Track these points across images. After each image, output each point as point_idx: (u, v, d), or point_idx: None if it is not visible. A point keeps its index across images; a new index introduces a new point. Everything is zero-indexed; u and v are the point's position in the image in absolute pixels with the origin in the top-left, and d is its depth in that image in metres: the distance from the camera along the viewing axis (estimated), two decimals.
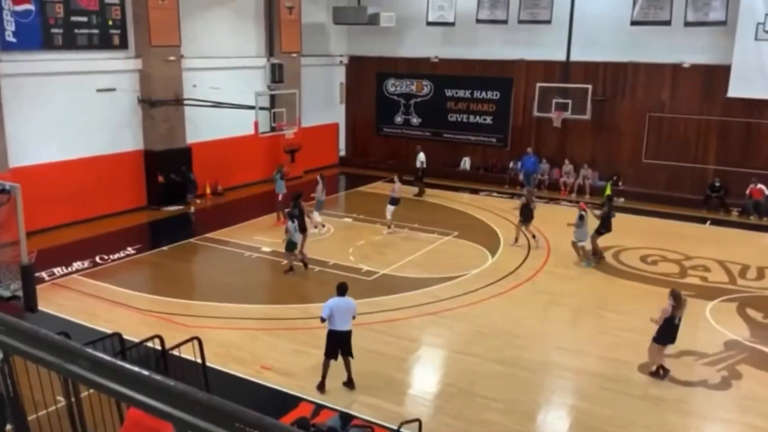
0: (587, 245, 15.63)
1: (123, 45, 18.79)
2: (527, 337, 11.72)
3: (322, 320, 9.56)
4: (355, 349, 9.78)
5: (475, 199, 22.12)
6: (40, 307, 8.98)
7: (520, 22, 23.02)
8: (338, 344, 9.51)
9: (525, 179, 23.11)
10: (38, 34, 16.68)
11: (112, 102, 18.71)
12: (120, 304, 12.77)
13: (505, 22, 23.28)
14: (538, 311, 13.02)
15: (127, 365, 1.92)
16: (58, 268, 14.38)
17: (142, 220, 18.97)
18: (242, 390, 9.61)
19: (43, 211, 16.01)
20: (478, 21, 23.75)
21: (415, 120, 26.50)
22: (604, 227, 15.67)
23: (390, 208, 17.78)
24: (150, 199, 19.80)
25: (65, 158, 17.54)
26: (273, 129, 19.47)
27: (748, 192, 20.32)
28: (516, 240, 16.90)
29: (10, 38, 16.07)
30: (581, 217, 15.45)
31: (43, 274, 13.67)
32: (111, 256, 15.43)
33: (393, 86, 26.79)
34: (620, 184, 22.34)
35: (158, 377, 1.85)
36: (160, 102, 19.35)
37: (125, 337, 7.65)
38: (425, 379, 10.65)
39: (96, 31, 18.00)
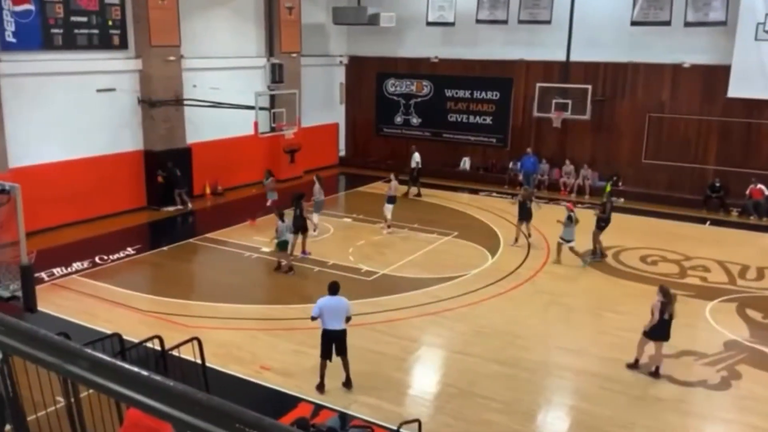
0: (579, 245, 15.63)
1: (123, 45, 18.79)
2: (527, 338, 11.72)
3: (312, 319, 9.58)
4: (354, 349, 9.78)
5: (475, 200, 22.12)
6: (40, 308, 8.98)
7: (520, 22, 23.01)
8: (331, 344, 9.49)
9: (524, 179, 23.11)
10: (38, 35, 16.67)
11: (111, 102, 18.71)
12: (119, 304, 12.76)
13: (505, 22, 23.28)
14: (538, 311, 13.02)
15: (126, 366, 1.92)
16: (58, 269, 14.38)
17: (141, 220, 18.97)
18: (242, 390, 9.61)
19: (43, 212, 16.00)
20: (478, 21, 23.75)
21: (415, 120, 26.50)
22: (605, 221, 15.70)
23: (388, 207, 17.80)
24: (150, 200, 19.80)
25: (65, 158, 17.54)
26: (273, 129, 19.46)
27: (748, 192, 20.32)
28: (516, 240, 16.91)
29: (10, 38, 16.06)
30: (569, 218, 15.49)
31: (43, 275, 13.67)
32: (111, 257, 15.43)
33: (393, 86, 26.79)
34: (620, 184, 22.33)
35: (158, 377, 1.84)
36: (160, 102, 19.35)
37: (125, 337, 7.66)
38: (425, 379, 10.64)
39: (96, 31, 17.99)
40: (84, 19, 17.63)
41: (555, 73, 23.11)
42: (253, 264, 15.55)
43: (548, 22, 22.56)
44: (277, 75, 20.79)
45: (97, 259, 15.19)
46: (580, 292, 14.02)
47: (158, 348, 7.35)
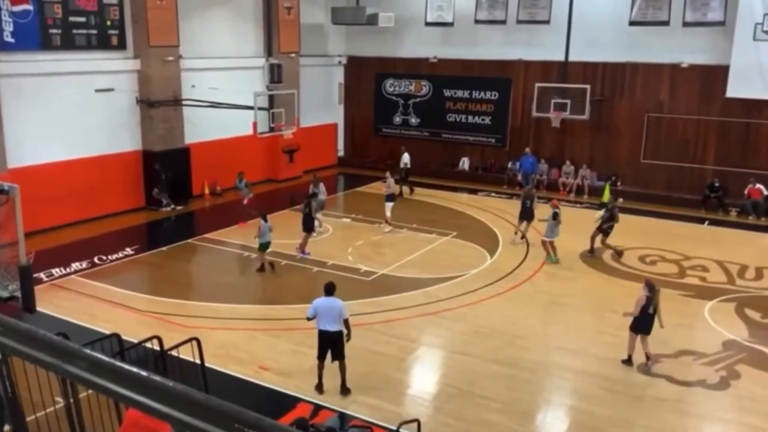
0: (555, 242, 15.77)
1: (121, 45, 18.78)
2: (526, 337, 11.72)
3: (308, 319, 9.57)
4: (353, 349, 9.77)
5: (474, 200, 22.12)
6: (39, 308, 8.97)
7: (519, 22, 23.03)
8: (326, 345, 9.45)
9: (523, 179, 23.14)
10: (36, 35, 16.66)
11: (110, 102, 18.70)
12: (118, 304, 12.75)
13: (503, 22, 23.30)
14: (538, 311, 13.03)
15: (125, 366, 1.92)
16: (57, 269, 14.36)
17: (140, 220, 18.95)
18: (241, 390, 9.60)
19: (42, 212, 16.00)
20: (477, 21, 23.77)
21: (413, 120, 26.50)
22: (609, 221, 15.81)
23: (388, 205, 17.87)
24: (148, 200, 19.78)
25: (64, 158, 17.52)
26: (272, 129, 19.46)
27: (746, 192, 20.34)
28: (516, 233, 16.99)
29: (9, 38, 16.05)
30: (555, 216, 15.55)
31: (42, 275, 13.65)
32: (109, 257, 15.42)
33: (392, 86, 26.79)
34: (619, 184, 22.34)
35: (157, 378, 1.84)
36: (159, 102, 19.34)
37: (124, 337, 7.66)
38: (424, 379, 10.64)
39: (94, 31, 17.98)
40: (82, 19, 17.62)
41: (554, 73, 23.12)
42: (252, 264, 15.53)
43: (547, 22, 22.57)
44: (275, 75, 20.77)
45: (95, 260, 15.18)
46: (579, 292, 14.03)
47: (157, 348, 7.35)
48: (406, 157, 22.57)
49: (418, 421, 7.80)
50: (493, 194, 22.86)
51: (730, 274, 15.13)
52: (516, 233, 17.06)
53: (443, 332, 12.03)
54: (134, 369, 1.89)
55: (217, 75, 20.62)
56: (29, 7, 16.39)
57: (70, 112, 17.62)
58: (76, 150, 17.80)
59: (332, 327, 9.37)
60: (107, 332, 7.99)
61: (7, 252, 8.32)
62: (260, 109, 18.78)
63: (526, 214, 16.96)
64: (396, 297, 13.41)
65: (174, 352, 7.31)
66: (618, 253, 16.05)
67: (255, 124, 18.89)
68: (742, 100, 20.41)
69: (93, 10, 17.83)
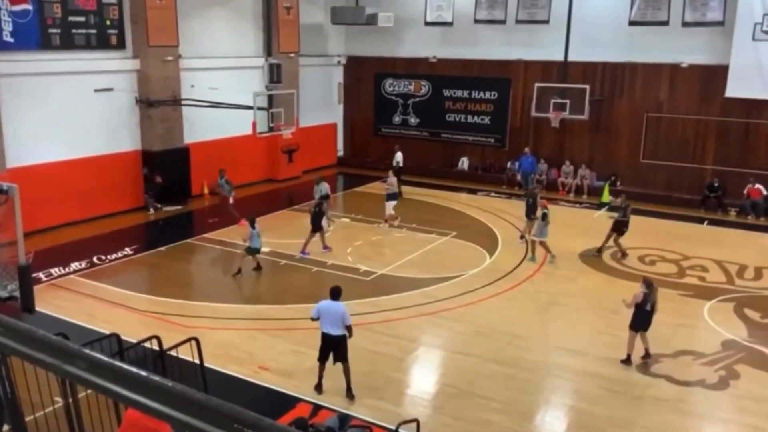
0: (546, 241, 15.82)
1: (121, 45, 18.77)
2: (526, 337, 11.72)
3: (312, 319, 9.58)
4: (353, 349, 9.75)
5: (473, 199, 22.12)
6: (38, 308, 8.96)
7: (518, 22, 23.03)
8: (328, 348, 9.43)
9: (523, 179, 23.16)
10: (36, 34, 16.65)
11: (109, 102, 18.69)
12: (118, 304, 12.75)
13: (503, 22, 23.30)
14: (537, 311, 13.03)
15: (124, 366, 1.92)
16: (56, 269, 14.35)
17: (139, 220, 18.94)
18: (240, 390, 9.60)
19: (41, 212, 15.98)
20: (476, 21, 23.77)
21: (413, 120, 26.50)
22: (625, 225, 15.93)
23: (390, 204, 17.93)
24: (154, 197, 19.72)
25: (63, 158, 17.51)
26: (271, 129, 19.46)
27: (745, 192, 20.36)
28: (522, 237, 17.01)
29: (8, 38, 16.04)
30: (544, 215, 15.60)
31: (41, 275, 13.64)
32: (109, 257, 15.40)
33: (391, 86, 26.78)
34: (618, 184, 22.36)
35: (156, 378, 1.84)
36: (158, 102, 19.33)
37: (123, 337, 7.65)
38: (424, 379, 10.64)
39: (94, 31, 17.97)
40: (82, 19, 17.60)
41: (553, 73, 23.12)
42: (251, 264, 15.52)
43: (546, 22, 22.58)
44: (275, 75, 20.76)
45: (95, 259, 15.17)
46: (578, 292, 14.03)
47: (156, 348, 7.34)
48: (398, 156, 22.73)
49: (417, 421, 7.80)
50: (493, 194, 22.87)
51: (729, 274, 15.14)
52: (528, 233, 17.01)
53: (443, 332, 12.03)
54: (133, 369, 1.89)
55: (216, 75, 20.61)
56: (28, 6, 16.37)
57: (70, 112, 17.61)
58: (76, 150, 17.79)
59: (334, 330, 9.33)
60: (106, 332, 7.98)
61: (6, 252, 8.32)
62: (259, 109, 18.78)
63: (530, 214, 16.99)
64: (395, 297, 13.40)
65: (173, 352, 7.30)
66: (623, 254, 16.05)
67: (254, 124, 18.88)
68: (742, 100, 20.41)
69: (92, 9, 17.82)
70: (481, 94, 25.03)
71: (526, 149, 23.49)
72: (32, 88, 16.69)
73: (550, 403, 9.89)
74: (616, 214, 16.48)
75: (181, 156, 20.28)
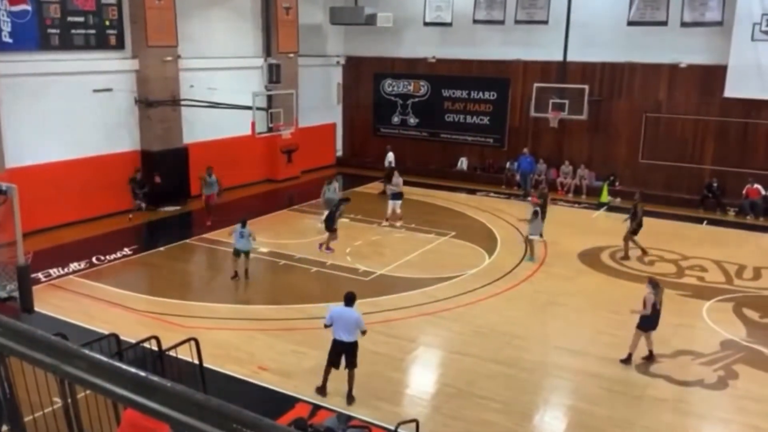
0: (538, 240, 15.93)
1: (120, 45, 18.76)
2: (525, 337, 11.72)
3: (325, 326, 9.40)
4: None
5: (472, 200, 22.12)
6: (37, 308, 8.97)
7: (517, 22, 23.04)
8: (340, 354, 9.30)
9: (521, 179, 23.17)
10: (35, 35, 16.63)
11: (108, 102, 18.67)
12: (117, 304, 12.74)
13: (502, 22, 23.31)
14: (536, 311, 13.03)
15: (123, 366, 1.92)
16: (55, 269, 14.34)
17: (138, 220, 18.92)
18: (239, 391, 9.59)
19: (40, 212, 15.97)
20: (475, 21, 23.77)
21: (412, 120, 26.50)
22: (639, 225, 15.96)
23: (397, 203, 17.99)
24: (147, 200, 19.74)
25: (62, 159, 17.50)
26: (270, 129, 19.44)
27: (744, 192, 20.36)
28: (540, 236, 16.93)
29: (7, 39, 16.02)
30: (535, 213, 15.62)
31: (40, 275, 13.63)
32: (107, 257, 15.40)
33: (390, 86, 26.78)
34: (617, 184, 22.37)
35: (155, 378, 1.84)
36: (157, 102, 19.32)
37: (122, 338, 7.65)
38: (423, 379, 10.64)
39: (93, 31, 17.95)
40: (81, 19, 17.59)
41: (552, 73, 23.12)
42: (250, 264, 15.51)
43: (545, 22, 22.59)
44: (274, 75, 20.76)
45: (94, 260, 15.16)
46: (577, 292, 14.03)
47: (155, 348, 7.33)
48: (390, 156, 22.89)
49: (416, 421, 7.79)
50: (492, 194, 22.87)
51: (728, 274, 15.15)
52: (540, 235, 16.92)
53: (442, 332, 12.03)
54: (132, 369, 1.89)
55: (215, 75, 20.60)
56: (27, 7, 16.36)
57: (69, 113, 17.59)
58: (75, 150, 17.78)
59: (347, 337, 9.19)
60: (105, 332, 7.97)
61: (6, 252, 8.32)
62: (259, 109, 18.78)
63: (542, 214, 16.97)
64: (394, 297, 13.40)
65: (172, 353, 7.30)
66: (625, 256, 16.02)
67: (253, 124, 18.88)
68: (740, 100, 20.43)
69: (91, 10, 17.80)
70: (480, 94, 25.03)
71: (525, 149, 23.49)
72: (31, 88, 16.68)
73: (549, 403, 9.89)
74: (624, 216, 16.48)
75: (181, 156, 20.26)
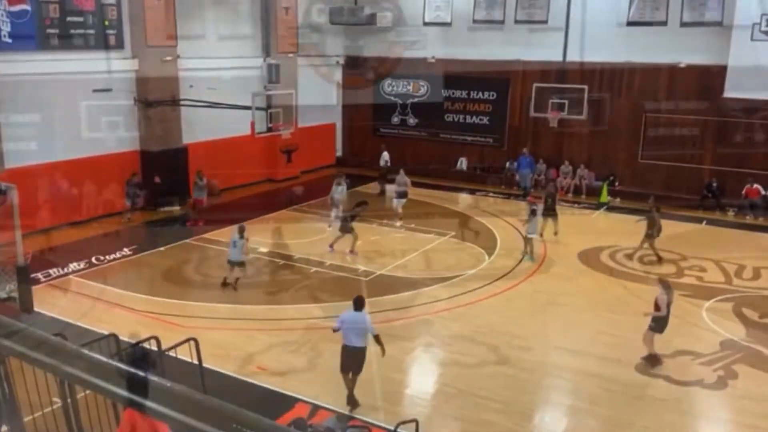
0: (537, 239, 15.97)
1: (119, 45, 18.74)
2: (525, 337, 11.71)
3: (334, 330, 9.32)
4: None
5: (472, 200, 22.11)
6: (36, 308, 8.96)
7: (517, 22, 23.04)
8: (348, 359, 9.16)
9: (521, 179, 23.16)
10: (34, 35, 16.62)
11: (108, 102, 18.66)
12: (116, 305, 12.73)
13: (501, 22, 23.31)
14: (536, 311, 13.02)
15: (123, 366, 1.91)
16: (54, 269, 14.33)
17: (138, 220, 18.91)
18: (239, 391, 9.58)
19: (39, 212, 15.94)
20: (475, 21, 23.78)
21: (411, 120, 26.49)
22: (651, 228, 15.91)
23: (401, 201, 18.00)
24: (146, 200, 19.73)
25: (61, 159, 17.48)
26: (269, 129, 19.42)
27: (744, 192, 20.37)
28: (540, 235, 16.83)
29: (6, 39, 16.01)
30: (533, 212, 15.62)
31: (39, 275, 13.61)
32: (107, 257, 15.38)
33: (390, 86, 26.76)
34: (617, 184, 22.36)
35: (155, 378, 1.84)
36: (157, 102, 19.30)
37: (121, 338, 7.63)
38: (423, 379, 10.64)
39: (92, 31, 17.94)
40: (80, 19, 17.58)
41: (552, 73, 23.10)
42: (249, 264, 15.49)
43: (545, 22, 22.59)
44: (273, 75, 20.75)
45: (93, 260, 15.14)
46: (577, 292, 14.03)
47: (155, 348, 7.32)
48: (385, 156, 22.91)
49: (416, 421, 7.79)
50: (491, 194, 22.86)
51: (727, 274, 15.14)
52: (541, 234, 16.89)
53: (441, 332, 12.02)
54: (132, 369, 1.89)
55: (215, 75, 20.58)
56: (27, 7, 16.35)
57: (68, 113, 17.58)
58: (74, 150, 17.75)
59: (357, 342, 9.09)
60: (105, 333, 7.96)
61: (5, 252, 8.31)
62: (258, 109, 18.75)
63: (549, 213, 16.95)
64: (394, 297, 13.39)
65: (172, 353, 7.29)
66: (629, 256, 16.02)
67: (253, 124, 18.86)
68: (740, 100, 20.42)
69: (91, 10, 17.79)
70: (480, 94, 25.02)
71: (525, 149, 23.49)
72: (31, 88, 16.65)
73: (549, 403, 9.89)
74: (637, 218, 16.52)
75: (180, 156, 20.25)
